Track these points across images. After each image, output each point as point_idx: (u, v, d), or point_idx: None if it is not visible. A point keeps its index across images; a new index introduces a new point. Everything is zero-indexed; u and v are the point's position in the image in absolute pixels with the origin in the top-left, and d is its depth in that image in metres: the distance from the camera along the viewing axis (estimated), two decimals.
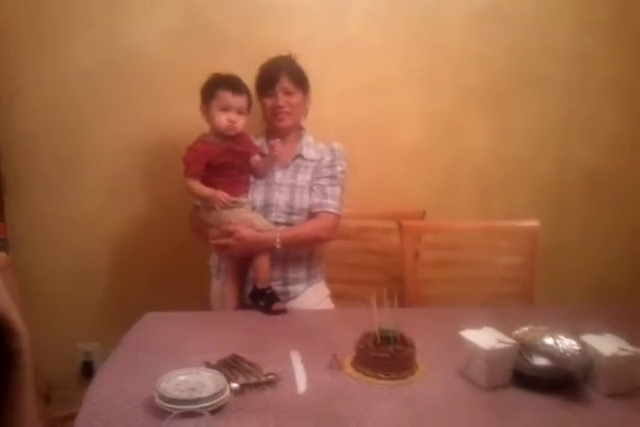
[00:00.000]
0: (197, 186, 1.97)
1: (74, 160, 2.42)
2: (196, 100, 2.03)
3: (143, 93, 2.38)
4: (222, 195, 1.94)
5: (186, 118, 2.16)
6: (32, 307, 2.43)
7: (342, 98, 2.45)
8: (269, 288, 1.97)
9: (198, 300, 2.12)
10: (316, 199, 2.06)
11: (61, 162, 2.41)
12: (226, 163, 2.00)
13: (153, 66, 2.35)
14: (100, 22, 2.32)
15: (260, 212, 2.03)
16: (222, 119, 1.97)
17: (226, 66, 2.08)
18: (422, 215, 2.36)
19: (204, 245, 2.09)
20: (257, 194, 2.06)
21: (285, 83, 2.06)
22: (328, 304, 2.16)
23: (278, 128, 2.11)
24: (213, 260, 2.15)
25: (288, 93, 2.06)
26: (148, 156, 2.44)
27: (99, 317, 2.55)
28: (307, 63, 2.14)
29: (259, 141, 2.15)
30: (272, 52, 2.13)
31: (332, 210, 2.06)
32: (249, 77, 2.08)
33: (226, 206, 1.95)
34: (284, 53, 2.13)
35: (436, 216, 2.39)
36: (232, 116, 1.97)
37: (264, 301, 1.94)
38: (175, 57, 2.35)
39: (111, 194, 2.46)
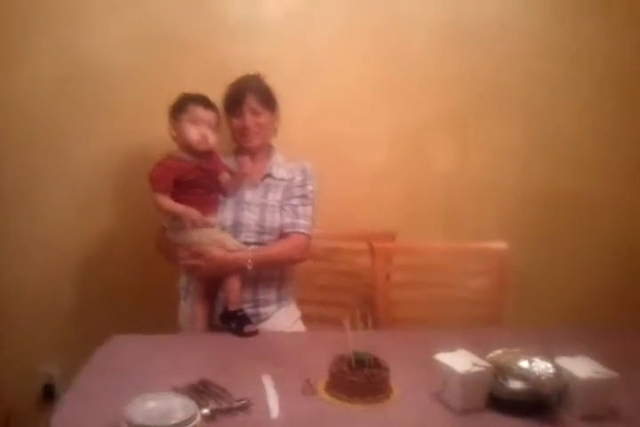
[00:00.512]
0: (168, 201, 1.92)
1: (40, 174, 2.36)
2: (160, 114, 2.02)
3: (108, 106, 2.34)
4: (194, 212, 1.90)
5: (151, 132, 2.16)
6: None
7: (310, 117, 2.42)
8: (241, 310, 1.93)
9: (166, 322, 2.06)
10: (288, 219, 2.04)
11: (29, 176, 2.35)
12: (195, 180, 1.97)
13: (117, 77, 2.32)
14: (60, 31, 2.27)
15: (229, 231, 2.00)
16: (194, 132, 1.95)
17: (190, 80, 2.14)
18: (393, 237, 2.35)
19: (171, 265, 2.04)
20: (226, 213, 2.03)
21: (252, 103, 2.04)
22: (299, 326, 2.13)
23: (246, 148, 2.10)
24: (182, 281, 2.10)
25: (255, 113, 2.05)
26: (114, 170, 2.39)
27: (61, 337, 2.46)
28: (274, 82, 2.13)
29: (227, 160, 2.12)
30: (238, 71, 2.12)
31: (303, 230, 2.04)
32: (214, 96, 2.06)
33: (196, 225, 1.91)
34: (252, 72, 2.12)
35: (404, 237, 2.37)
36: (203, 130, 1.96)
37: (235, 323, 1.90)
38: (138, 69, 2.32)
39: (78, 210, 2.40)
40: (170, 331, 2.01)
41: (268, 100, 2.09)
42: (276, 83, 2.13)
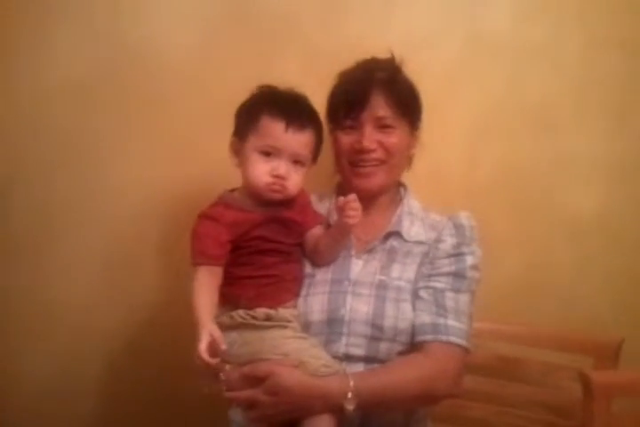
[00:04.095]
0: (201, 292, 1.08)
1: (56, 220, 1.63)
2: None
3: (163, 118, 1.59)
4: (212, 337, 1.01)
5: (226, 160, 1.34)
6: None
7: (474, 134, 1.63)
8: None
9: None
10: (426, 316, 1.15)
11: (38, 222, 1.63)
12: (262, 241, 1.15)
13: (178, 76, 1.58)
14: (99, 11, 1.57)
15: (319, 334, 1.14)
16: (263, 171, 1.14)
17: (289, 75, 1.33)
18: (617, 348, 1.37)
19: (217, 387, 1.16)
20: (314, 299, 1.17)
21: (380, 107, 1.22)
22: None
23: (360, 188, 1.25)
24: (235, 413, 1.22)
25: (384, 126, 1.23)
26: (167, 215, 1.62)
27: None
28: (415, 76, 1.31)
29: (324, 205, 1.29)
30: (360, 55, 1.32)
31: (454, 338, 1.13)
32: (321, 95, 1.28)
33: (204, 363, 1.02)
34: (382, 56, 1.29)
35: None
36: (281, 167, 1.13)
37: None
38: (211, 63, 1.58)
39: (108, 276, 1.64)
40: None
41: (407, 103, 1.26)
42: (420, 78, 1.31)
